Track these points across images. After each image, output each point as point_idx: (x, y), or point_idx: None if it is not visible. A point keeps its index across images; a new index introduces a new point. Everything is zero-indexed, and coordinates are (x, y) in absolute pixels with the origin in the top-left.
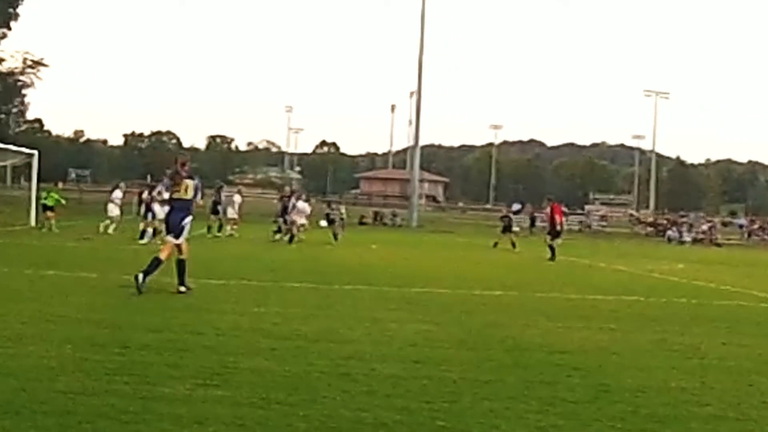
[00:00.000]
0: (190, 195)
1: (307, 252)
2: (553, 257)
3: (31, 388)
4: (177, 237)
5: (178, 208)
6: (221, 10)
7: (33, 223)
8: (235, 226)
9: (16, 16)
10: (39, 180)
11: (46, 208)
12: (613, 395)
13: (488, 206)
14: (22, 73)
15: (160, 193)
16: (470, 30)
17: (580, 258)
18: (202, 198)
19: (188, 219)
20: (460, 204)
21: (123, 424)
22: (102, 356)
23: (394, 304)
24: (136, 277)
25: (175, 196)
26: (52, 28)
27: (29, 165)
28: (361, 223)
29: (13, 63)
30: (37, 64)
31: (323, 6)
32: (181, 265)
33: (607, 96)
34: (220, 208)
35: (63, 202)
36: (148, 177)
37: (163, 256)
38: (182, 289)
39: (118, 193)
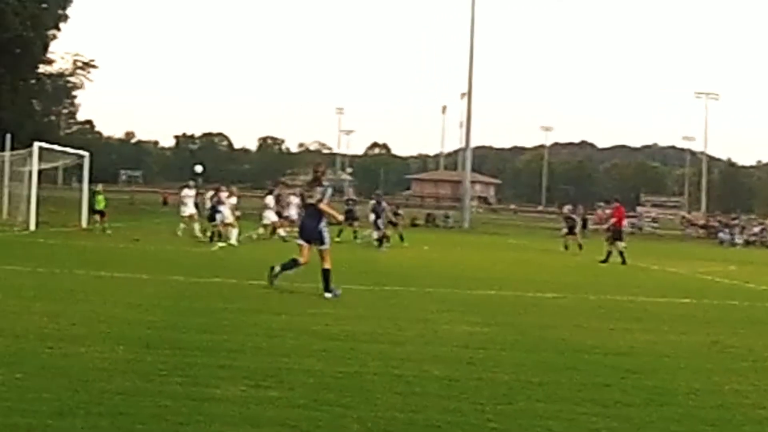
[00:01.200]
0: (314, 200)
1: (360, 254)
2: (623, 261)
3: (84, 388)
4: (321, 243)
5: (310, 214)
6: (274, 12)
7: (84, 224)
8: (288, 229)
9: (65, 18)
10: (90, 181)
11: (95, 212)
12: (666, 398)
13: (540, 208)
14: (72, 74)
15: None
16: (521, 31)
17: (632, 260)
18: (322, 201)
19: (323, 223)
20: (512, 206)
21: (176, 425)
22: (154, 357)
23: (446, 305)
24: (272, 268)
25: (308, 201)
26: (101, 29)
27: (80, 166)
28: (413, 225)
29: (63, 64)
30: (87, 65)
31: (375, 7)
32: (325, 274)
33: (658, 98)
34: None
35: (104, 202)
36: (199, 178)
37: (302, 260)
38: (327, 295)
39: (187, 192)
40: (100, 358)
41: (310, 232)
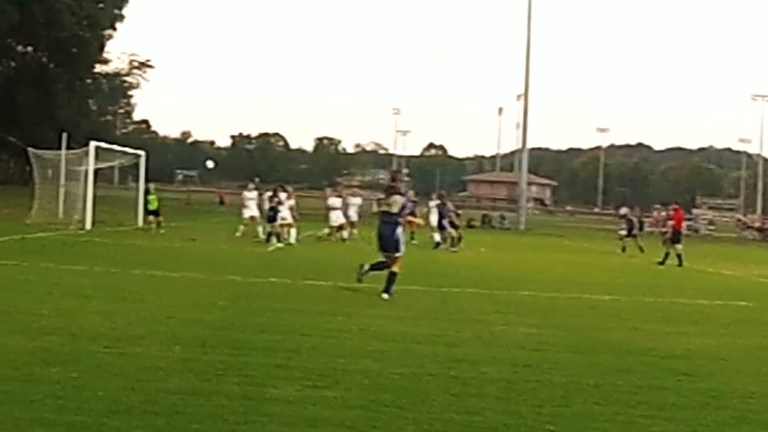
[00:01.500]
0: (395, 210)
1: (417, 255)
2: (680, 263)
3: (141, 387)
4: (396, 251)
5: (386, 222)
6: (330, 13)
7: (140, 223)
8: (348, 230)
9: (121, 18)
10: (147, 181)
11: (149, 212)
12: (723, 401)
13: (596, 210)
14: (128, 74)
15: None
16: (577, 33)
17: (689, 262)
18: (409, 214)
19: (399, 230)
20: (568, 207)
21: (232, 425)
22: (211, 357)
23: (503, 307)
24: (361, 266)
25: (384, 209)
26: (158, 29)
27: (136, 165)
28: (470, 226)
29: (119, 64)
30: (143, 65)
31: (431, 9)
32: (391, 276)
33: (714, 100)
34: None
35: (157, 203)
36: (257, 179)
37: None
38: (385, 296)
39: (247, 194)
40: (156, 357)
41: (386, 241)
